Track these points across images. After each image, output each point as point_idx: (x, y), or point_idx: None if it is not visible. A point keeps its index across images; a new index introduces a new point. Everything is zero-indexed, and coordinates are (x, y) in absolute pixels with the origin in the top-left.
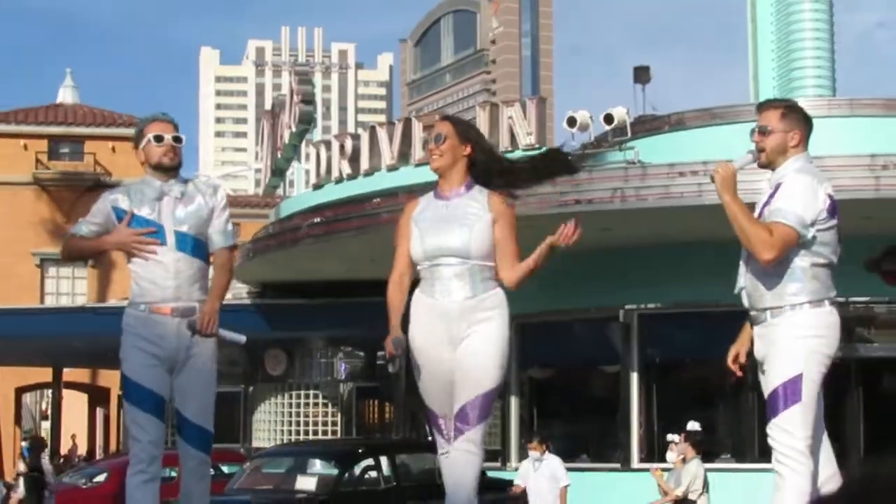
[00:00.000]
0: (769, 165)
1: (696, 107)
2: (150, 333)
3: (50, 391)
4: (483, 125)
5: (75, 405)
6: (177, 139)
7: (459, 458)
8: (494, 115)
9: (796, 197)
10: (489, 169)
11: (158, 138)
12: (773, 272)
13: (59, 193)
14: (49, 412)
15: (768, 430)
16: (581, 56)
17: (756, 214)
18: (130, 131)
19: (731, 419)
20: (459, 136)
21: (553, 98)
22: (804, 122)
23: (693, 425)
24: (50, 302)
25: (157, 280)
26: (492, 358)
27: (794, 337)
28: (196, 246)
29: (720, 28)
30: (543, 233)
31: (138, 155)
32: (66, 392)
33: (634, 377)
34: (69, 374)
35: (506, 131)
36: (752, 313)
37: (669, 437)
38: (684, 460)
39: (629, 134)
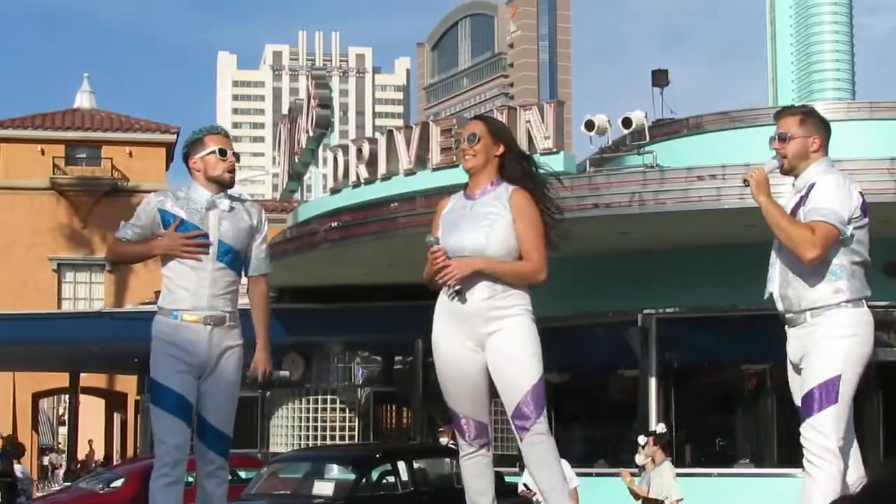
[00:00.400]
0: (791, 172)
1: (714, 110)
2: (181, 341)
3: (67, 396)
4: None
5: (92, 410)
6: (236, 156)
7: (536, 451)
8: (512, 118)
9: (832, 195)
10: (520, 170)
11: (223, 152)
12: (812, 272)
13: (76, 198)
14: (66, 417)
15: (802, 430)
16: (599, 60)
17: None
18: (147, 136)
19: (749, 424)
20: (492, 136)
21: (571, 102)
22: (823, 127)
23: (660, 427)
24: (67, 307)
25: (192, 288)
26: (525, 352)
27: (834, 337)
28: (235, 259)
29: (739, 31)
30: (562, 237)
31: (194, 163)
32: (83, 397)
33: (653, 382)
34: (86, 379)
35: (523, 135)
36: (789, 316)
37: (640, 439)
38: (654, 462)
39: (647, 138)
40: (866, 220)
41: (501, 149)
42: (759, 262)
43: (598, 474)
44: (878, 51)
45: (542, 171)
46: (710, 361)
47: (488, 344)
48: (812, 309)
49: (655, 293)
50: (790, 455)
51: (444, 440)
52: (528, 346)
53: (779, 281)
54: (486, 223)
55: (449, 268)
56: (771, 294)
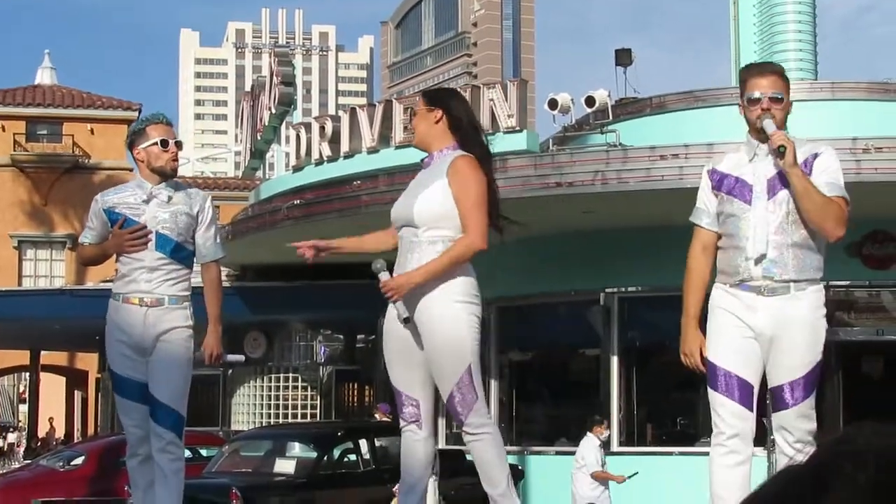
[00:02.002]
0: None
1: (677, 90)
2: (121, 321)
3: (27, 374)
4: None
5: (53, 388)
6: (179, 144)
7: (472, 450)
8: (476, 97)
9: (839, 171)
10: (468, 133)
11: (165, 143)
12: (802, 244)
13: (37, 175)
14: (27, 395)
15: (790, 417)
16: (563, 39)
17: (772, 189)
18: (109, 113)
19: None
20: (427, 104)
21: (535, 81)
22: None
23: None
24: (28, 284)
25: (134, 276)
26: (445, 346)
27: (817, 318)
28: (176, 248)
29: (704, 11)
30: (523, 215)
31: (137, 153)
32: (43, 375)
33: (615, 360)
34: (47, 356)
35: (487, 113)
36: (768, 283)
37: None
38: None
39: (610, 117)
40: None
41: (439, 113)
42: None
43: (559, 453)
44: (841, 31)
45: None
46: (671, 340)
47: (419, 326)
48: (796, 281)
49: (618, 272)
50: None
51: (377, 417)
52: (448, 341)
53: (768, 244)
54: (419, 191)
55: (391, 291)
56: (758, 256)
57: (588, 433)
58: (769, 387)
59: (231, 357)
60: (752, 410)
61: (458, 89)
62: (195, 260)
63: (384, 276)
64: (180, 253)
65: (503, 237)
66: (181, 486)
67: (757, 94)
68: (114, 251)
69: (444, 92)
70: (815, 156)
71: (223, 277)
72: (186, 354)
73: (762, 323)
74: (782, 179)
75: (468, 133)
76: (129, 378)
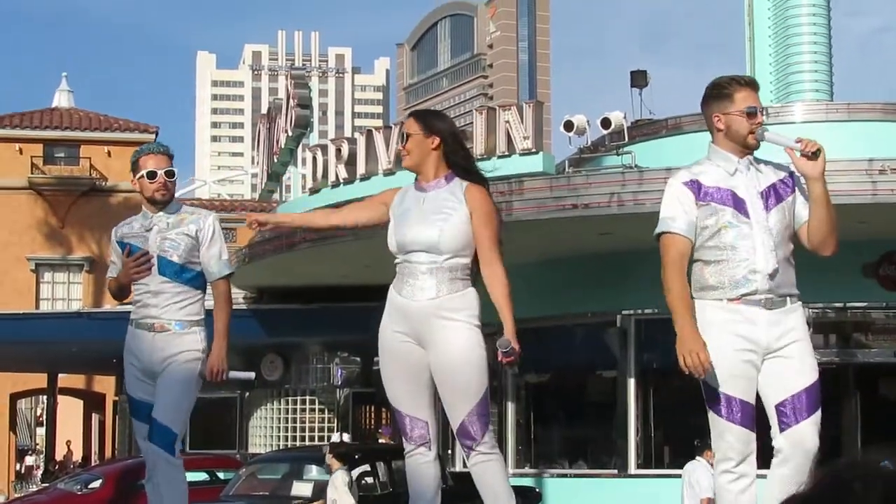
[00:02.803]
0: (756, 148)
1: (693, 111)
2: (134, 347)
3: (45, 397)
4: (480, 129)
5: (70, 411)
6: (169, 174)
7: (482, 471)
8: (491, 119)
9: None
10: (462, 162)
11: (151, 175)
12: (788, 258)
13: (54, 198)
14: (44, 418)
15: (807, 426)
16: (579, 60)
17: (765, 203)
18: (126, 136)
19: None
20: (424, 130)
21: (550, 102)
22: None
23: (336, 437)
24: (45, 307)
25: (144, 300)
26: (466, 368)
27: (807, 330)
28: (180, 272)
29: (719, 32)
30: (540, 237)
31: (134, 183)
32: (61, 398)
33: (632, 383)
34: (64, 379)
35: (503, 135)
36: (770, 296)
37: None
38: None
39: (626, 138)
40: None
41: (436, 141)
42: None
43: (577, 475)
44: (858, 52)
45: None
46: None
47: (430, 348)
48: (791, 295)
49: (634, 294)
50: (767, 456)
51: (382, 441)
52: (469, 365)
53: (776, 259)
54: (439, 218)
55: (512, 357)
56: (772, 271)
57: (698, 457)
58: (775, 403)
59: (237, 374)
60: (754, 431)
61: (475, 111)
62: (207, 279)
63: (510, 349)
64: (185, 275)
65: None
66: (178, 499)
67: (755, 107)
68: (125, 280)
69: (436, 115)
70: (792, 174)
71: (240, 300)
72: (188, 375)
73: (765, 336)
74: (775, 193)
75: (462, 159)
76: (141, 401)
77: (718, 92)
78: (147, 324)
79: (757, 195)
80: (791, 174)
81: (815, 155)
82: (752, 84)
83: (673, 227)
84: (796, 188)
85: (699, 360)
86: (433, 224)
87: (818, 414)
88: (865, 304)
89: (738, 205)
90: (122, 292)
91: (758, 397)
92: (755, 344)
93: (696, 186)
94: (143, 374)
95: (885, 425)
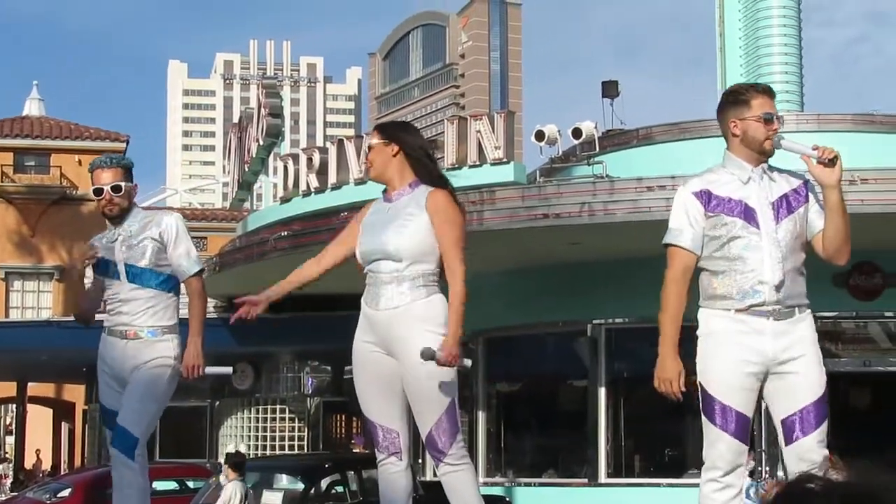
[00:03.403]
0: (771, 155)
1: (664, 121)
2: (106, 355)
3: (14, 405)
4: (451, 139)
5: (40, 420)
6: (115, 188)
7: (451, 481)
8: (463, 128)
9: None
10: (425, 167)
11: (97, 192)
12: (798, 268)
13: (25, 206)
14: (13, 427)
15: (811, 441)
16: (550, 71)
17: (776, 213)
18: (97, 144)
19: (698, 433)
20: (383, 139)
21: (522, 112)
22: None
23: (231, 447)
24: (15, 315)
25: (116, 307)
26: (431, 379)
27: (815, 340)
28: (149, 277)
29: (691, 43)
30: (511, 246)
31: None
32: (30, 406)
33: (602, 392)
34: (34, 388)
35: (474, 145)
36: (776, 307)
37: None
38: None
39: (597, 148)
40: None
41: (395, 147)
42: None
43: (547, 484)
44: (831, 63)
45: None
46: None
47: (398, 357)
48: (800, 306)
49: (605, 303)
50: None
51: (356, 451)
52: (436, 373)
53: (783, 269)
54: (398, 224)
55: (453, 359)
56: (778, 282)
57: None
58: (782, 417)
59: (214, 369)
60: (747, 444)
61: (446, 121)
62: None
63: (439, 355)
64: (154, 279)
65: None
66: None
67: (772, 114)
68: (75, 273)
69: (398, 125)
70: (807, 182)
71: (211, 309)
72: (156, 380)
73: (771, 347)
74: (787, 203)
75: (425, 165)
76: (111, 409)
77: (735, 98)
78: (119, 331)
79: (768, 205)
80: (806, 182)
81: (831, 162)
82: (768, 91)
83: (680, 240)
84: (810, 196)
85: (671, 389)
86: (392, 232)
87: (824, 426)
88: (836, 313)
89: (749, 215)
90: (81, 303)
91: (767, 413)
92: (761, 355)
93: (706, 197)
94: (115, 381)
95: (854, 435)
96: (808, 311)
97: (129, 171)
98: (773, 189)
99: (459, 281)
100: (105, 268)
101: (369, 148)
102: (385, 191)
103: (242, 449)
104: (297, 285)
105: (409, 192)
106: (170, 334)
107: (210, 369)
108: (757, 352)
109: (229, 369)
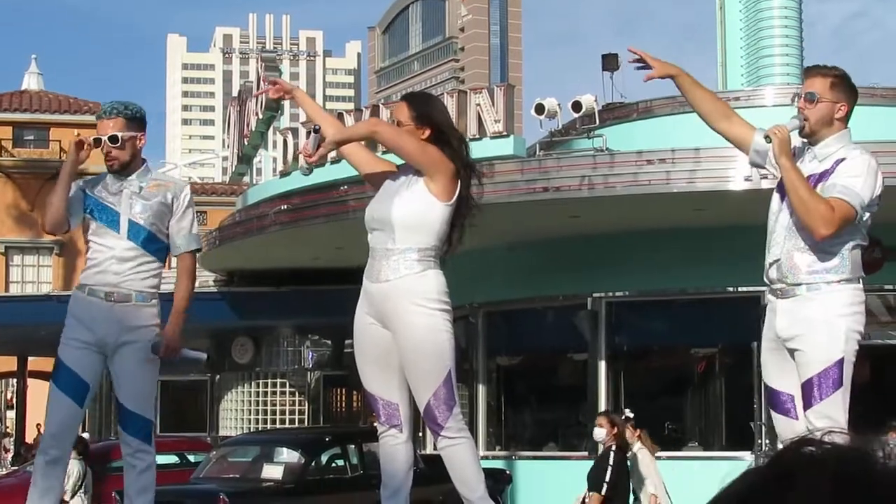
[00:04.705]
0: (811, 136)
1: (664, 95)
2: (84, 315)
3: (15, 380)
4: (451, 112)
5: (41, 394)
6: (112, 139)
7: (450, 455)
8: (462, 102)
9: (860, 177)
10: (449, 150)
11: (97, 141)
12: (815, 247)
13: (23, 181)
14: (14, 401)
15: (808, 417)
16: (550, 44)
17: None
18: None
19: (698, 407)
20: (416, 121)
21: (522, 86)
22: (853, 96)
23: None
24: (15, 290)
25: (104, 266)
26: (422, 353)
27: (834, 316)
28: (149, 239)
29: (690, 15)
30: (511, 220)
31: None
32: (31, 381)
33: (602, 365)
34: (34, 362)
35: (474, 118)
36: (780, 286)
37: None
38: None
39: (597, 122)
40: (877, 206)
41: (427, 132)
42: (708, 245)
43: (547, 457)
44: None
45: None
46: (659, 345)
47: (392, 331)
48: (809, 283)
49: (605, 277)
50: (738, 438)
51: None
52: (427, 347)
53: (782, 248)
54: (401, 195)
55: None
56: (773, 260)
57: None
58: (794, 393)
59: (189, 353)
60: (796, 418)
61: (446, 94)
62: (171, 252)
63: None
64: (153, 244)
65: (455, 251)
66: (152, 486)
67: (797, 92)
68: (71, 166)
69: (428, 104)
70: (841, 160)
71: (210, 283)
72: (149, 357)
73: (777, 324)
74: (817, 181)
75: (452, 149)
76: (72, 371)
77: None
78: (103, 292)
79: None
80: (842, 160)
81: (766, 140)
82: (807, 71)
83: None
84: (830, 176)
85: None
86: (393, 203)
87: (823, 403)
88: None
89: (781, 195)
90: (54, 201)
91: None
92: (772, 331)
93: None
94: (93, 344)
95: (854, 408)
96: (827, 287)
97: (133, 120)
98: (806, 168)
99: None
100: (101, 212)
101: (398, 122)
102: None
103: (85, 435)
104: (318, 119)
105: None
106: (155, 300)
107: (185, 352)
108: (770, 327)
109: (203, 355)
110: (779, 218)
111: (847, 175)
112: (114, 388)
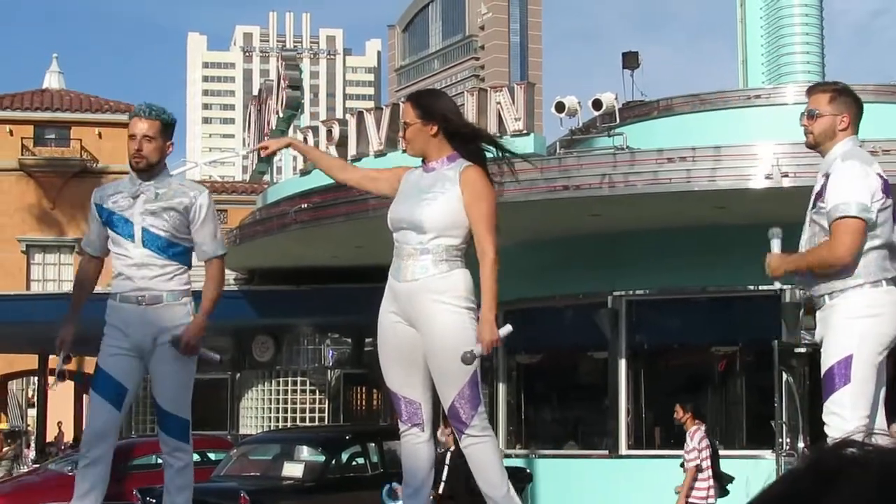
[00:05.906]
0: (817, 147)
1: (685, 92)
2: (118, 321)
3: (36, 378)
4: (471, 111)
5: (61, 392)
6: (147, 138)
7: (474, 453)
8: (483, 100)
9: (846, 185)
10: (463, 135)
11: (131, 137)
12: None
13: (45, 179)
14: (35, 399)
15: (824, 413)
16: (571, 42)
17: (811, 204)
18: (117, 117)
19: (718, 405)
20: (422, 118)
21: (542, 84)
22: (854, 106)
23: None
24: (36, 288)
25: (126, 272)
26: (449, 352)
27: (848, 317)
28: (165, 245)
29: (711, 13)
30: (531, 218)
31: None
32: (51, 379)
33: (622, 363)
34: (55, 361)
35: (494, 116)
36: (813, 297)
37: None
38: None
39: (618, 120)
40: (889, 200)
41: (434, 128)
42: (728, 243)
43: (567, 456)
44: (853, 36)
45: (493, 152)
46: (679, 343)
47: (419, 330)
48: (830, 293)
49: (625, 275)
50: (758, 437)
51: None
52: (454, 346)
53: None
54: (429, 196)
55: (493, 344)
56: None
57: None
58: None
59: (206, 353)
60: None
61: (466, 92)
62: (197, 257)
63: (479, 350)
64: (171, 249)
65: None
66: (190, 484)
67: (802, 111)
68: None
69: (433, 100)
70: (828, 176)
71: (231, 281)
72: (185, 357)
73: (818, 335)
74: (817, 196)
75: (462, 139)
76: (111, 377)
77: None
78: (134, 297)
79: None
80: (828, 176)
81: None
82: (813, 88)
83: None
84: (826, 195)
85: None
86: (420, 203)
87: (829, 400)
88: None
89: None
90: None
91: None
92: (816, 339)
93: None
94: (132, 349)
95: None
96: (845, 293)
97: (167, 126)
98: (821, 183)
99: (490, 262)
100: (116, 223)
101: (405, 124)
102: (424, 161)
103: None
104: (318, 162)
105: (446, 165)
106: (186, 297)
107: (203, 352)
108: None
109: (217, 357)
110: (803, 236)
111: (835, 191)
112: (150, 389)
